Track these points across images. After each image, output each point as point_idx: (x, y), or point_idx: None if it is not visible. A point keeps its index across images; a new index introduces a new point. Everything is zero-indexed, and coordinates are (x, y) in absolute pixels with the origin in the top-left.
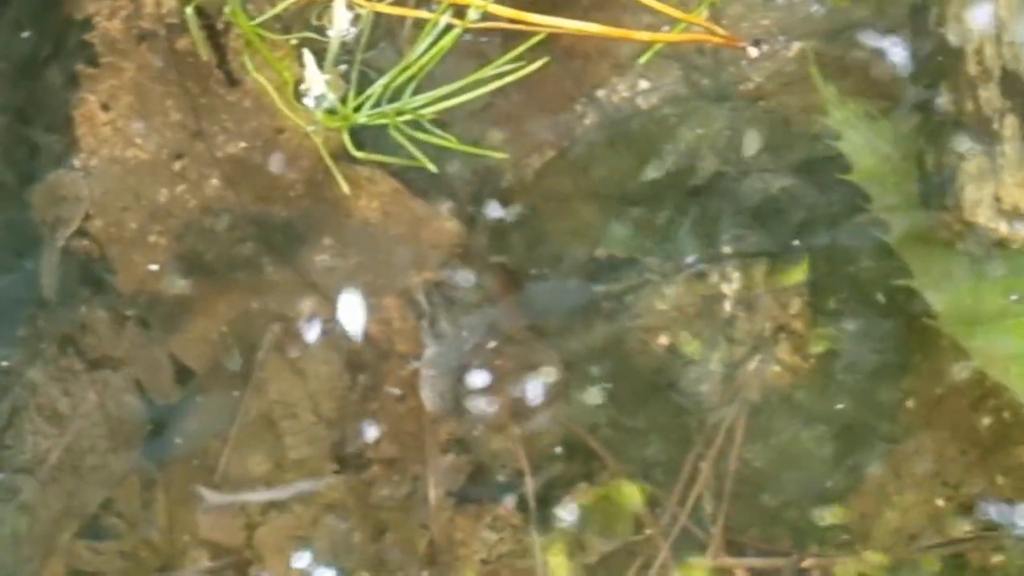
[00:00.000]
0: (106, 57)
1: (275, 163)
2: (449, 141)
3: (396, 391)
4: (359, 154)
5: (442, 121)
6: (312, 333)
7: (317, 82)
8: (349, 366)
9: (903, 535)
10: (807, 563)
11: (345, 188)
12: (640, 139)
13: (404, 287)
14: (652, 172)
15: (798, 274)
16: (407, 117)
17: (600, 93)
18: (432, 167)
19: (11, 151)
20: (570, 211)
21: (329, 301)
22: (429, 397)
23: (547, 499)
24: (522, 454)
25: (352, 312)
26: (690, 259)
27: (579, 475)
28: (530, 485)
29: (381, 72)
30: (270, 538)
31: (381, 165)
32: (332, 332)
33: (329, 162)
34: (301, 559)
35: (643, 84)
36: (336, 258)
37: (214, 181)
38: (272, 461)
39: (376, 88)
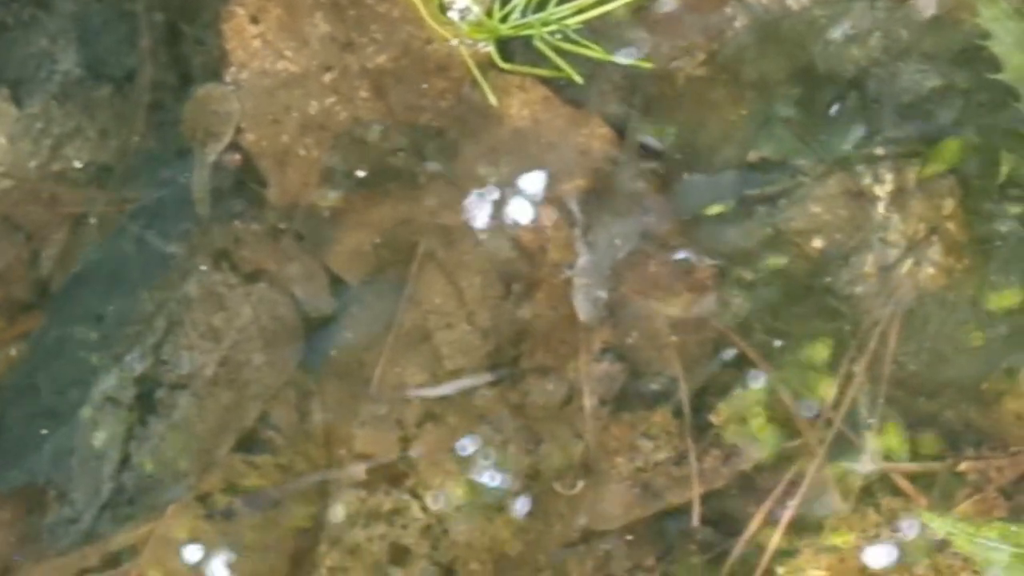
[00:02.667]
0: None
1: (425, 73)
2: (594, 50)
3: (550, 300)
4: (506, 65)
5: (593, 28)
6: (467, 241)
7: None
8: (503, 275)
9: None
10: (963, 467)
11: (493, 99)
12: (790, 40)
13: (557, 194)
14: (803, 74)
15: (948, 161)
16: (553, 28)
17: None
18: (578, 78)
19: (163, 65)
20: (721, 115)
21: (482, 209)
22: (582, 305)
23: (702, 406)
24: (676, 361)
25: (520, 208)
26: (843, 160)
27: (734, 381)
28: (685, 392)
29: None
30: (426, 449)
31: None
32: (486, 240)
33: (476, 74)
34: (462, 460)
35: None
36: (489, 166)
37: (364, 93)
38: (427, 372)
39: None
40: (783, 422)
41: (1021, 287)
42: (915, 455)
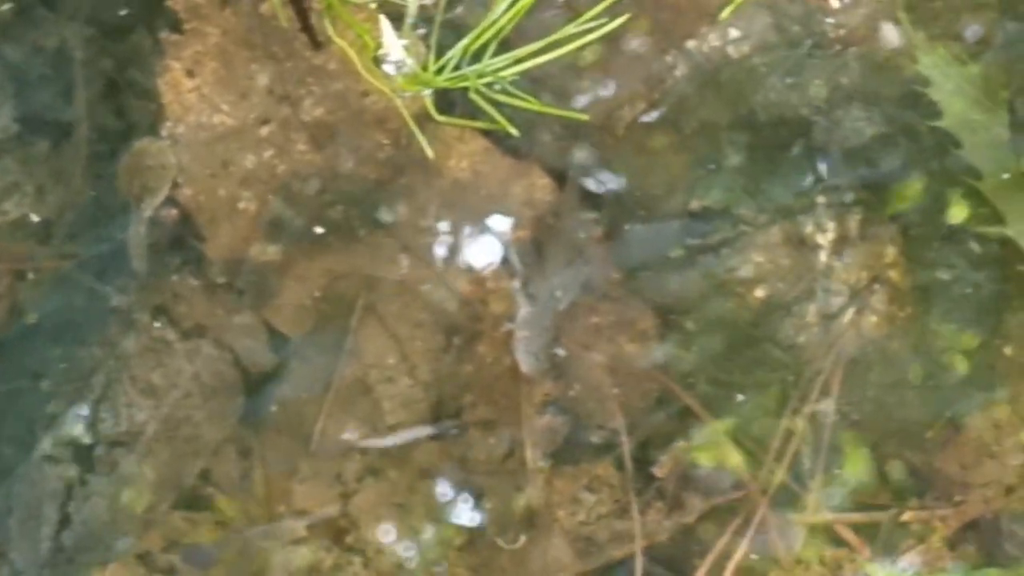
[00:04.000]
0: (190, 23)
1: (363, 125)
2: (531, 103)
3: (490, 353)
4: (443, 118)
5: (532, 78)
6: (407, 294)
7: (395, 48)
8: (444, 328)
9: (1002, 486)
10: (907, 516)
11: (430, 152)
12: (731, 89)
13: (497, 247)
14: (745, 122)
15: (896, 207)
16: (489, 79)
17: (690, 44)
18: (513, 130)
19: (102, 118)
20: (663, 164)
21: (422, 262)
22: (524, 358)
23: (644, 458)
24: (618, 413)
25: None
26: (785, 209)
27: (676, 433)
28: (627, 444)
29: (464, 33)
30: (366, 505)
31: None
32: (427, 292)
33: (413, 126)
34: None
35: (733, 33)
36: (428, 219)
37: (302, 145)
38: (368, 426)
39: (456, 51)
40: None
41: (962, 334)
42: (859, 504)
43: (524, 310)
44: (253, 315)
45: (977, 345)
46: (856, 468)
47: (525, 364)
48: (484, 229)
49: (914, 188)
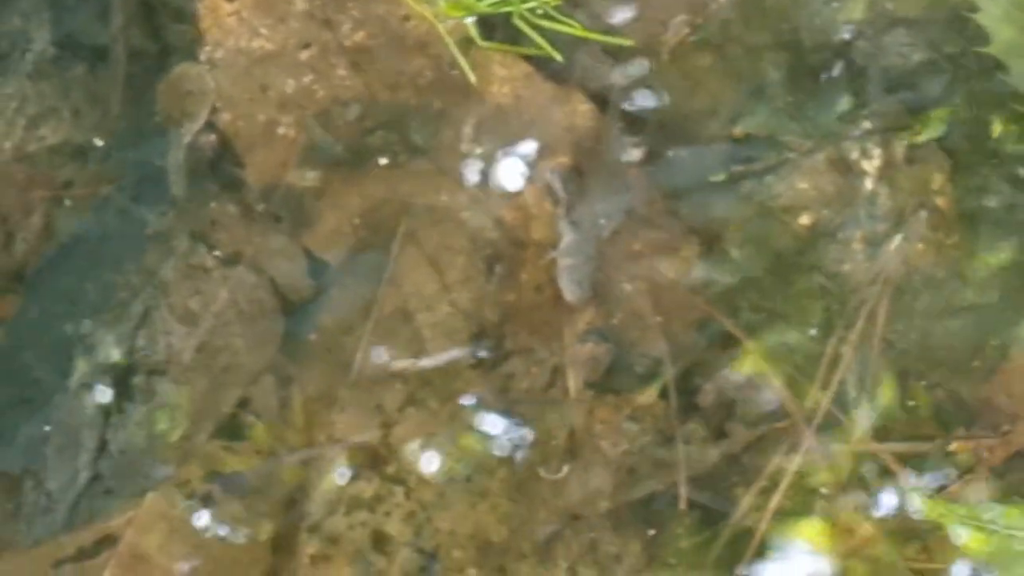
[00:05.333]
0: None
1: (404, 50)
2: (574, 28)
3: (533, 281)
4: (486, 43)
5: (575, 2)
6: (448, 221)
7: None
8: (485, 256)
9: None
10: (954, 446)
11: (472, 77)
12: (775, 12)
13: (540, 173)
14: (788, 46)
15: (936, 131)
16: (532, 4)
17: None
18: (557, 56)
19: (138, 42)
20: (706, 89)
21: (462, 189)
22: (567, 286)
23: (688, 387)
24: (662, 340)
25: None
26: (830, 135)
27: (720, 361)
28: (670, 373)
29: None
30: (407, 435)
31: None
32: (468, 220)
33: (455, 51)
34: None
35: None
36: (469, 145)
37: (342, 71)
38: (409, 355)
39: None
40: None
41: (1009, 261)
42: (904, 435)
43: (568, 237)
44: (292, 241)
45: None
46: (901, 397)
47: (569, 292)
48: (526, 155)
49: (958, 113)
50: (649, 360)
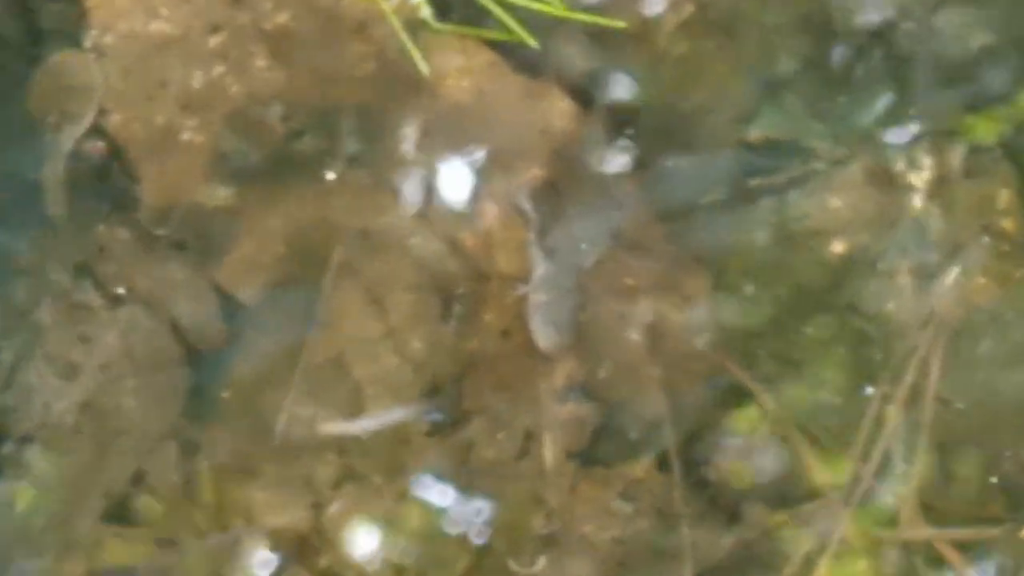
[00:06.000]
0: None
1: (338, 35)
2: (552, 6)
3: (499, 323)
4: (438, 26)
5: None
6: (393, 248)
7: None
8: (440, 292)
9: None
10: None
11: (424, 68)
12: None
13: (506, 188)
14: (815, 28)
15: (997, 135)
16: None
17: None
18: (531, 41)
19: (5, 28)
20: (713, 82)
21: (413, 209)
22: (542, 330)
23: (693, 457)
24: (661, 398)
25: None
26: (868, 139)
27: (733, 424)
28: (672, 439)
29: None
30: (344, 518)
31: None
32: (418, 247)
33: (402, 35)
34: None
35: None
36: (420, 152)
37: (261, 61)
38: (346, 416)
39: None
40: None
41: None
42: (966, 517)
43: (541, 269)
44: (198, 275)
45: None
46: (961, 470)
47: (543, 337)
48: (491, 165)
49: None
50: (645, 423)
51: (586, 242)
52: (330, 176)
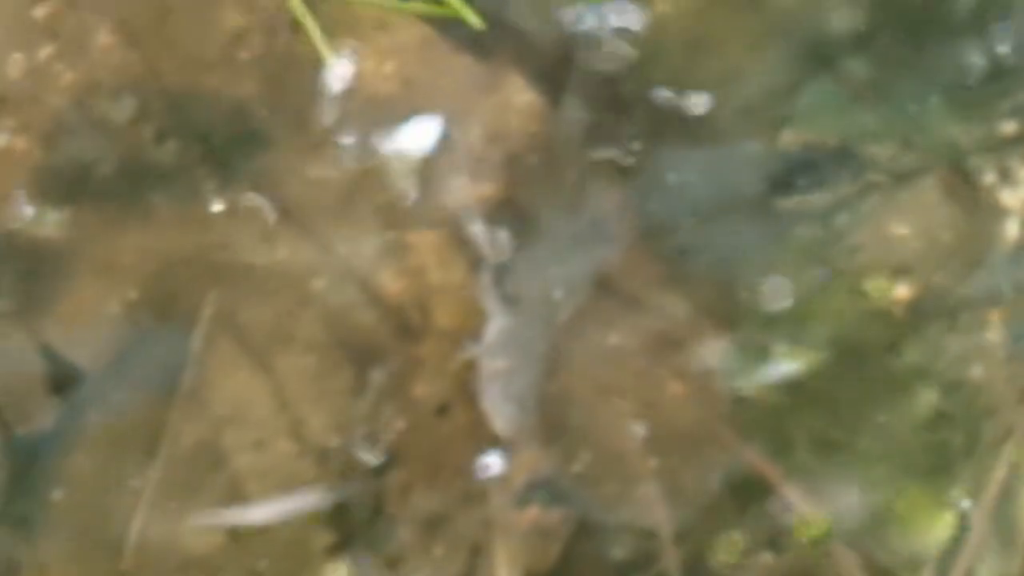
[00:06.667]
0: None
1: (208, 6)
2: None
3: (435, 397)
4: None
5: None
6: (287, 293)
7: None
8: (352, 354)
9: None
10: None
11: (325, 51)
12: None
13: (446, 212)
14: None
15: None
16: None
17: None
18: (474, 18)
19: None
20: (734, 66)
21: (313, 240)
22: (498, 407)
23: None
24: (659, 501)
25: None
26: (947, 146)
27: (755, 534)
28: (673, 557)
29: None
30: None
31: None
32: (323, 291)
33: (298, 6)
34: None
35: None
36: (323, 165)
37: (105, 38)
38: (222, 525)
39: None
40: None
41: None
42: None
43: (498, 323)
44: (18, 331)
45: None
46: None
47: (499, 417)
48: (424, 180)
49: None
50: (635, 535)
51: (560, 286)
52: (201, 194)
